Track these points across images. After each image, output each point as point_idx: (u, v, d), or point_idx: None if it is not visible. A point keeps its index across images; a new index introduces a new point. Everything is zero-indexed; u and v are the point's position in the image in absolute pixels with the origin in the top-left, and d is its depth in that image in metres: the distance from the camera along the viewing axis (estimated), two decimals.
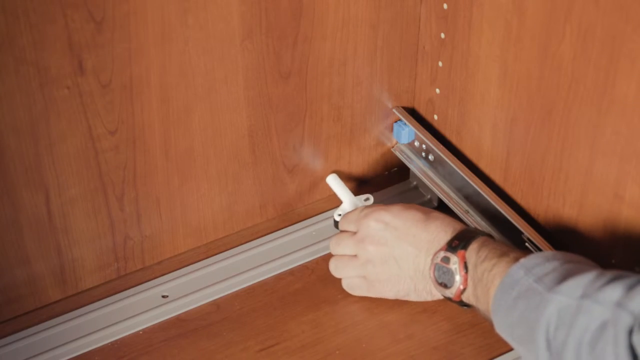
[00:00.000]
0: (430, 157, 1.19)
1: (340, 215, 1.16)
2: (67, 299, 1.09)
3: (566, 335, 0.82)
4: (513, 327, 0.89)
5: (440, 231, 1.01)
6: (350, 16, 1.10)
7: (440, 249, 0.99)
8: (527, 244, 1.06)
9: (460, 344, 1.04)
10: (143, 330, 1.06)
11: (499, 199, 1.10)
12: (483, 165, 1.15)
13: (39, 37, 0.92)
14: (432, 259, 1.00)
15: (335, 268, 1.08)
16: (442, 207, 1.19)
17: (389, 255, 1.03)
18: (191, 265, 1.13)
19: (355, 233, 1.07)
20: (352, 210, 1.10)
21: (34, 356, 1.03)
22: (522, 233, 1.07)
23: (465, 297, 0.98)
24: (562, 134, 1.00)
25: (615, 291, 0.81)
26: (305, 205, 1.21)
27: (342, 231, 1.10)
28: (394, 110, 1.21)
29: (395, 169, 1.25)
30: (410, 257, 1.02)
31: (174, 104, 1.03)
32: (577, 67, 0.95)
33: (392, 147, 1.23)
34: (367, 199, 1.17)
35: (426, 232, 1.02)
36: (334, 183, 1.18)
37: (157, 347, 1.04)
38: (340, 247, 1.08)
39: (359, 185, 1.23)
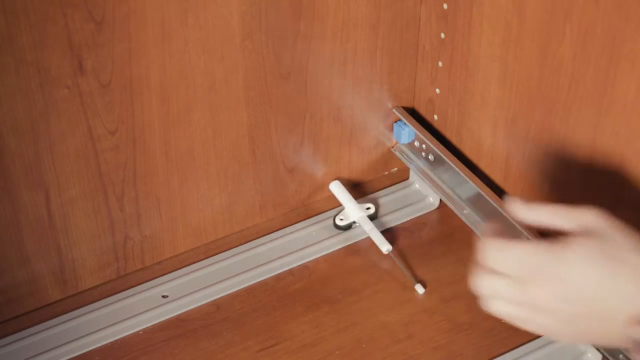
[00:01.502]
0: (430, 157, 1.19)
1: (342, 219, 1.16)
2: (67, 299, 1.09)
3: None
4: None
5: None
6: (350, 16, 1.10)
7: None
8: None
9: (460, 344, 1.04)
10: (143, 330, 1.06)
11: (499, 199, 1.10)
12: (483, 165, 1.15)
13: (39, 37, 0.92)
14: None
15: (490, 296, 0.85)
16: (442, 207, 1.19)
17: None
18: (191, 265, 1.13)
19: (513, 276, 0.83)
20: (521, 244, 0.83)
21: (34, 356, 1.03)
22: (522, 233, 1.07)
23: None
24: (562, 134, 1.00)
25: None
26: (305, 205, 1.21)
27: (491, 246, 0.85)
28: (394, 110, 1.21)
29: (395, 169, 1.25)
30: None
31: (174, 104, 1.03)
32: (577, 67, 0.95)
33: (392, 147, 1.23)
34: (368, 208, 1.17)
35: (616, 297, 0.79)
36: (337, 190, 1.19)
37: (157, 347, 1.05)
38: (493, 286, 0.84)
39: (359, 185, 1.23)
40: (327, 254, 1.14)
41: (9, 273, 1.04)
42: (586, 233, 0.81)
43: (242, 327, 1.06)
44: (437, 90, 1.17)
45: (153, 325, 1.07)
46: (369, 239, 1.15)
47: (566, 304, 0.80)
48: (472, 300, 1.08)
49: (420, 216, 1.19)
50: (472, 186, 1.13)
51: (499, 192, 1.12)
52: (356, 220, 1.17)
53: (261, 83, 1.08)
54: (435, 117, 1.19)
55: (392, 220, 1.19)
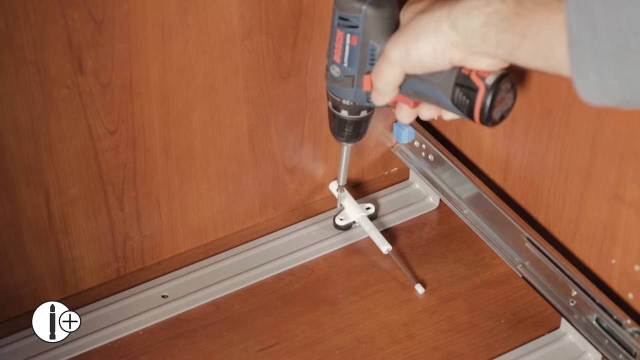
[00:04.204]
0: (430, 157, 1.19)
1: (342, 219, 1.16)
2: (67, 299, 1.09)
3: None
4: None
5: None
6: None
7: None
8: (527, 244, 1.06)
9: (460, 344, 1.04)
10: (143, 330, 1.06)
11: (499, 199, 1.10)
12: (483, 165, 1.15)
13: (39, 37, 0.92)
14: None
15: None
16: (442, 207, 1.19)
17: None
18: (191, 265, 1.13)
19: None
20: None
21: (34, 356, 1.03)
22: (522, 233, 1.07)
23: None
24: (562, 134, 1.00)
25: None
26: (305, 205, 1.21)
27: None
28: (393, 110, 1.20)
29: (395, 169, 1.25)
30: None
31: (174, 104, 1.03)
32: None
33: (392, 147, 1.23)
34: (368, 208, 1.18)
35: None
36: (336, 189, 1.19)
37: (157, 347, 1.05)
38: None
39: (359, 185, 1.23)
40: (327, 254, 1.14)
41: (9, 273, 1.04)
42: None
43: (242, 327, 1.06)
44: None
45: (153, 325, 1.07)
46: (368, 239, 1.15)
47: None
48: (472, 300, 1.08)
49: (420, 216, 1.19)
50: (471, 186, 1.13)
51: (499, 192, 1.12)
52: (356, 220, 1.17)
53: (261, 83, 1.08)
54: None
55: (392, 220, 1.19)
